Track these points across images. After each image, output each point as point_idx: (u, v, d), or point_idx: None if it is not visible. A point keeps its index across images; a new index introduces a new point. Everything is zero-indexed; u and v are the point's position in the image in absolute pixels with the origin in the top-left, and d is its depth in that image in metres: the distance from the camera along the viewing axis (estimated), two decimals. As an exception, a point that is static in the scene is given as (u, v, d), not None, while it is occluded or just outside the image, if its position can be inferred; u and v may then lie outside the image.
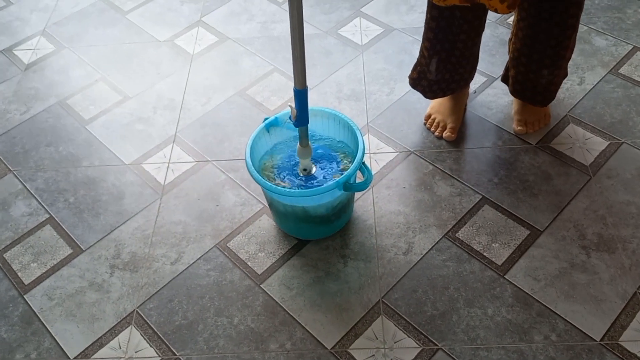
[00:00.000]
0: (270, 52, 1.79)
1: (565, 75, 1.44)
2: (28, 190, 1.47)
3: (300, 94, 1.11)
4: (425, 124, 1.53)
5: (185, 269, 1.29)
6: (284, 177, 1.25)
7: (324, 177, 1.25)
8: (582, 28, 1.74)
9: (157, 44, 1.86)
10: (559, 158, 1.42)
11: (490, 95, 1.58)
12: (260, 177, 1.16)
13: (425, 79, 1.44)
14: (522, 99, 1.46)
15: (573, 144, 1.45)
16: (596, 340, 1.11)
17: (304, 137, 1.19)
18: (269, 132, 1.29)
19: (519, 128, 1.47)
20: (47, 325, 1.22)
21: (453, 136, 1.48)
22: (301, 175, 1.26)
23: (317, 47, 1.79)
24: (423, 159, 1.45)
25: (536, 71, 1.36)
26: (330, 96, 1.63)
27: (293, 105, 1.14)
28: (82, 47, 1.88)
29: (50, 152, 1.57)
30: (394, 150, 1.48)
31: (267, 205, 1.37)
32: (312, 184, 1.23)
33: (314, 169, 1.26)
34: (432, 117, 1.53)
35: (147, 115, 1.64)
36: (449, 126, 1.49)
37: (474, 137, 1.49)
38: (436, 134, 1.51)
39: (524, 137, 1.47)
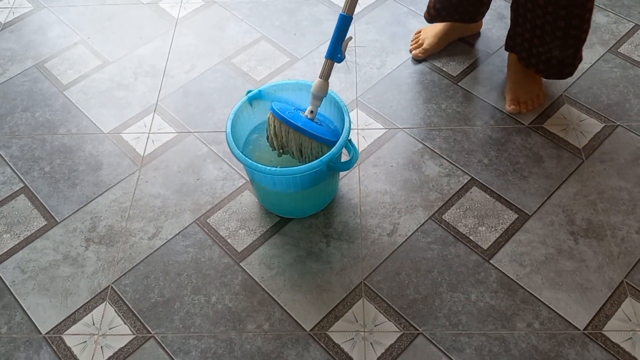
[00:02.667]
0: (258, 18, 1.73)
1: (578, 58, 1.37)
2: (2, 157, 1.43)
3: (343, 21, 1.08)
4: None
5: (162, 245, 1.26)
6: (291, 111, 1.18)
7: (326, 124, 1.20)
8: (582, 3, 1.69)
9: (140, 6, 1.79)
10: (551, 140, 1.39)
11: (485, 72, 1.54)
12: (240, 153, 1.12)
13: (433, 7, 1.52)
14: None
15: (567, 125, 1.42)
16: (579, 329, 1.10)
17: (328, 69, 1.13)
18: (252, 105, 1.24)
19: (511, 107, 1.44)
20: (18, 299, 1.19)
21: (420, 55, 1.56)
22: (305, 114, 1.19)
23: (306, 15, 1.73)
24: (412, 136, 1.42)
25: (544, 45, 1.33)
26: (320, 67, 1.58)
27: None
28: (61, 6, 1.80)
29: (26, 118, 1.52)
30: (382, 127, 1.44)
31: (249, 181, 1.33)
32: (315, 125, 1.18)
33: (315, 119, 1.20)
34: (419, 34, 1.61)
35: (128, 81, 1.58)
36: (424, 44, 1.56)
37: (466, 115, 1.45)
38: (410, 48, 1.60)
39: (517, 117, 1.43)
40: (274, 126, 1.16)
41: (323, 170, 1.15)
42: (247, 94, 1.23)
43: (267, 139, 1.20)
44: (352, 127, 1.39)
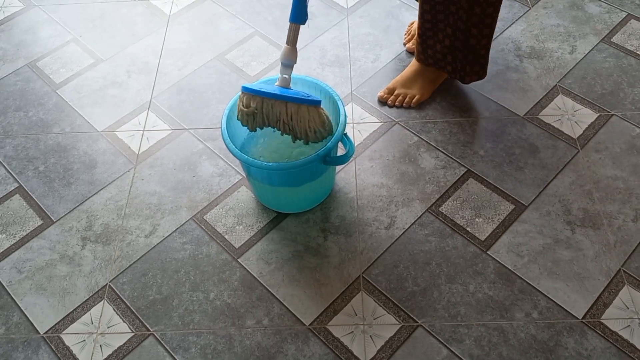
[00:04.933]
0: (251, 13, 1.73)
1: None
2: (-5, 157, 1.43)
3: None
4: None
5: (159, 242, 1.26)
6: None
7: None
8: (575, -6, 1.70)
9: (131, 4, 1.79)
10: (546, 130, 1.39)
11: (479, 63, 1.54)
12: (235, 148, 1.12)
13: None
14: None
15: (562, 115, 1.42)
16: (578, 318, 1.11)
17: (294, 34, 1.09)
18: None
19: (380, 94, 1.47)
20: (16, 299, 1.19)
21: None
22: (277, 84, 1.14)
23: (300, 10, 1.72)
24: (408, 129, 1.42)
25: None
26: (314, 62, 1.58)
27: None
28: (52, 5, 1.80)
29: (19, 117, 1.51)
30: (377, 120, 1.45)
31: (246, 177, 1.33)
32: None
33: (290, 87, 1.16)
34: (411, 25, 1.59)
35: (121, 79, 1.58)
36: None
37: (461, 107, 1.46)
38: (403, 40, 1.59)
39: (511, 108, 1.44)
40: (247, 104, 1.12)
41: (319, 165, 1.15)
42: (242, 90, 1.22)
43: (240, 120, 1.15)
44: (347, 121, 1.39)
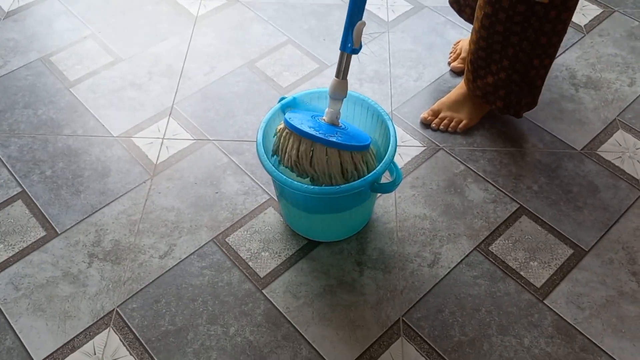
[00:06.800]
0: (285, 20, 1.61)
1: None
2: (-2, 157, 1.30)
3: (352, 3, 0.91)
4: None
5: (175, 265, 1.13)
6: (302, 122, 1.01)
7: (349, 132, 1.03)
8: (633, 23, 1.59)
9: (156, 1, 1.67)
10: (606, 168, 1.27)
11: (531, 89, 1.43)
12: (271, 165, 1.00)
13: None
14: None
15: (622, 152, 1.30)
16: (647, 385, 0.98)
17: (340, 63, 0.97)
18: (285, 114, 1.12)
19: (424, 115, 1.36)
20: (10, 320, 1.06)
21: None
22: (323, 119, 1.04)
23: (337, 19, 1.61)
24: (453, 156, 1.30)
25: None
26: (351, 76, 1.46)
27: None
28: (71, -3, 1.68)
29: (27, 115, 1.39)
30: (420, 145, 1.33)
31: (276, 198, 1.21)
32: (336, 133, 1.02)
33: (339, 124, 1.05)
34: (457, 44, 1.49)
35: (141, 81, 1.46)
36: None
37: (512, 135, 1.34)
38: (448, 59, 1.49)
39: (567, 141, 1.32)
40: (288, 141, 1.01)
41: (365, 191, 1.03)
42: (279, 101, 1.11)
43: (281, 162, 1.04)
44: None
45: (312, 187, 0.97)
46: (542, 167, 1.28)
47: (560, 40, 1.18)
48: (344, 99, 1.02)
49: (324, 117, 1.04)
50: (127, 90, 1.44)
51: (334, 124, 1.03)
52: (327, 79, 1.46)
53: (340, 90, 1.00)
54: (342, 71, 0.98)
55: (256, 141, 1.04)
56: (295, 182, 0.98)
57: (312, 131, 0.98)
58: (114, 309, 1.07)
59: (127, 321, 1.06)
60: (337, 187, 0.98)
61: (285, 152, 1.01)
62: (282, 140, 1.02)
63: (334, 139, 0.97)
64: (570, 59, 1.51)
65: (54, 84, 1.45)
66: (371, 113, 1.11)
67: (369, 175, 0.98)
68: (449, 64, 1.49)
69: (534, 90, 1.26)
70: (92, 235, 1.17)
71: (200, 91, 1.44)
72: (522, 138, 1.34)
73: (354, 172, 1.01)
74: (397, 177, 1.04)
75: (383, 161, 1.01)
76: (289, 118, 1.01)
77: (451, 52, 1.51)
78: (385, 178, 1.18)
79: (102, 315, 1.06)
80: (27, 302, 1.08)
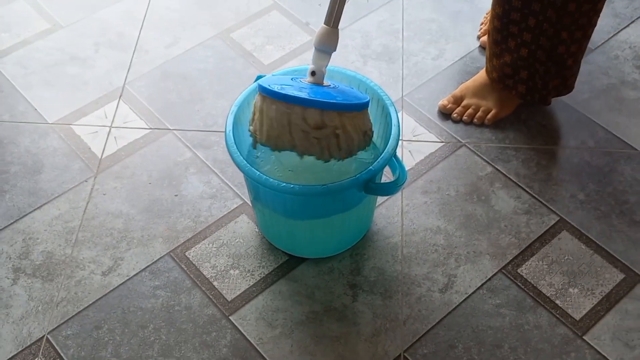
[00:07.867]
0: (271, -21, 1.75)
1: None
2: None
3: None
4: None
5: (122, 283, 1.25)
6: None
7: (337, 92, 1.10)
8: None
9: (107, -47, 1.81)
10: (673, 173, 1.39)
11: (583, 73, 1.54)
12: (243, 160, 1.11)
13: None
14: None
15: (696, 154, 1.42)
16: None
17: (335, 8, 1.03)
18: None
19: (443, 102, 1.49)
20: None
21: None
22: (307, 81, 1.10)
23: (338, -20, 1.74)
24: (479, 155, 1.42)
25: None
26: (353, 51, 1.59)
27: None
28: (-1, -54, 1.82)
29: (-61, 95, 1.52)
30: (437, 139, 1.44)
31: (250, 203, 1.33)
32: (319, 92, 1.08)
33: (324, 82, 1.11)
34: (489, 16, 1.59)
35: (85, 54, 1.59)
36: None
37: (555, 130, 1.45)
38: (478, 33, 1.61)
39: (625, 139, 1.43)
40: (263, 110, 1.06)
41: (358, 193, 1.14)
42: (256, 80, 1.22)
43: (252, 135, 1.10)
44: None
45: (294, 185, 1.08)
46: (592, 170, 1.39)
47: (596, 10, 1.28)
48: (342, 81, 1.10)
49: (307, 79, 1.10)
50: (67, 65, 1.57)
51: (319, 84, 1.10)
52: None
53: (329, 40, 1.07)
54: (334, 17, 1.06)
55: (224, 129, 1.16)
56: (272, 180, 1.08)
57: (298, 94, 1.04)
58: (44, 336, 1.19)
59: (59, 351, 1.17)
60: (324, 185, 1.08)
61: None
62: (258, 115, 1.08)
63: (329, 100, 1.03)
64: (636, 34, 1.63)
65: (-25, 56, 1.59)
66: (370, 97, 1.22)
67: (363, 172, 1.10)
68: (479, 37, 1.61)
69: (564, 72, 1.37)
70: (18, 246, 1.29)
71: (159, 68, 1.56)
72: (567, 134, 1.45)
73: (361, 139, 1.08)
74: (401, 176, 1.15)
75: (381, 155, 1.12)
76: (267, 84, 1.06)
77: (482, 23, 1.63)
78: (387, 178, 1.29)
79: (29, 344, 1.18)
80: None
